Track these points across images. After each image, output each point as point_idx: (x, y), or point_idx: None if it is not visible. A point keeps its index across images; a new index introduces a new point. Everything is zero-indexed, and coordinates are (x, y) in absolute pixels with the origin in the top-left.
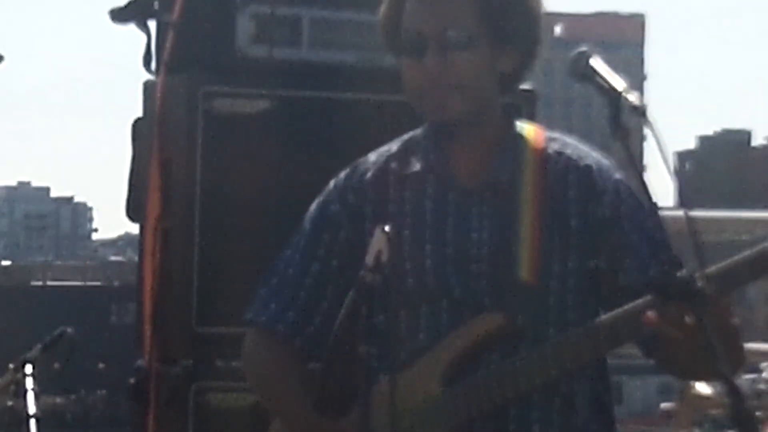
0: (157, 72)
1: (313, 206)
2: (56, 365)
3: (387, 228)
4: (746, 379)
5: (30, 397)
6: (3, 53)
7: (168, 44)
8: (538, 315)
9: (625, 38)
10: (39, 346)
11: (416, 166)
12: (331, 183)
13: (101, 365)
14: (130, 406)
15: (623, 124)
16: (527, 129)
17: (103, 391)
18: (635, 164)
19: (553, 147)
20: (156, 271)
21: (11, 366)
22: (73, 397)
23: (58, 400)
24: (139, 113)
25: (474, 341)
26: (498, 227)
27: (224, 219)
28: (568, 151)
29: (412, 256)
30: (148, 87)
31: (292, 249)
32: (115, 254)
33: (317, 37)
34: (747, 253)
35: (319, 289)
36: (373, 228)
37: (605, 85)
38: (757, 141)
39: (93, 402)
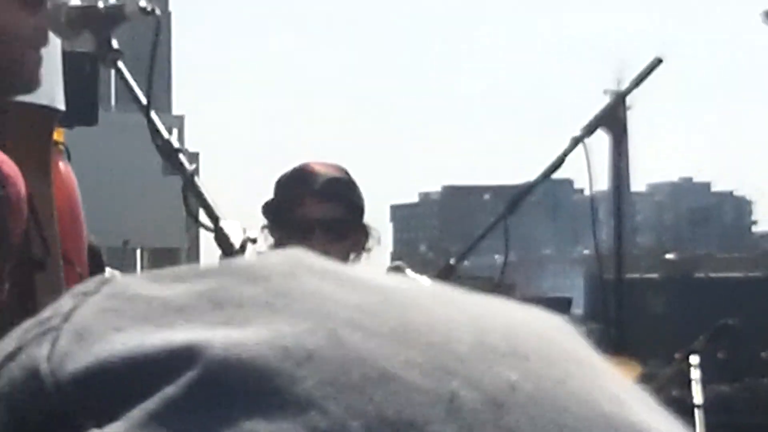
0: None
1: None
2: (720, 355)
3: None
4: None
5: (695, 386)
6: None
7: None
8: None
9: None
10: (703, 336)
11: None
12: None
13: (765, 353)
14: None
15: None
16: None
17: None
18: None
19: None
20: None
21: (677, 356)
22: (738, 385)
23: (724, 388)
24: None
25: None
26: None
27: None
28: None
29: None
30: None
31: None
32: None
33: None
34: None
35: None
36: None
37: None
38: None
39: (759, 389)
